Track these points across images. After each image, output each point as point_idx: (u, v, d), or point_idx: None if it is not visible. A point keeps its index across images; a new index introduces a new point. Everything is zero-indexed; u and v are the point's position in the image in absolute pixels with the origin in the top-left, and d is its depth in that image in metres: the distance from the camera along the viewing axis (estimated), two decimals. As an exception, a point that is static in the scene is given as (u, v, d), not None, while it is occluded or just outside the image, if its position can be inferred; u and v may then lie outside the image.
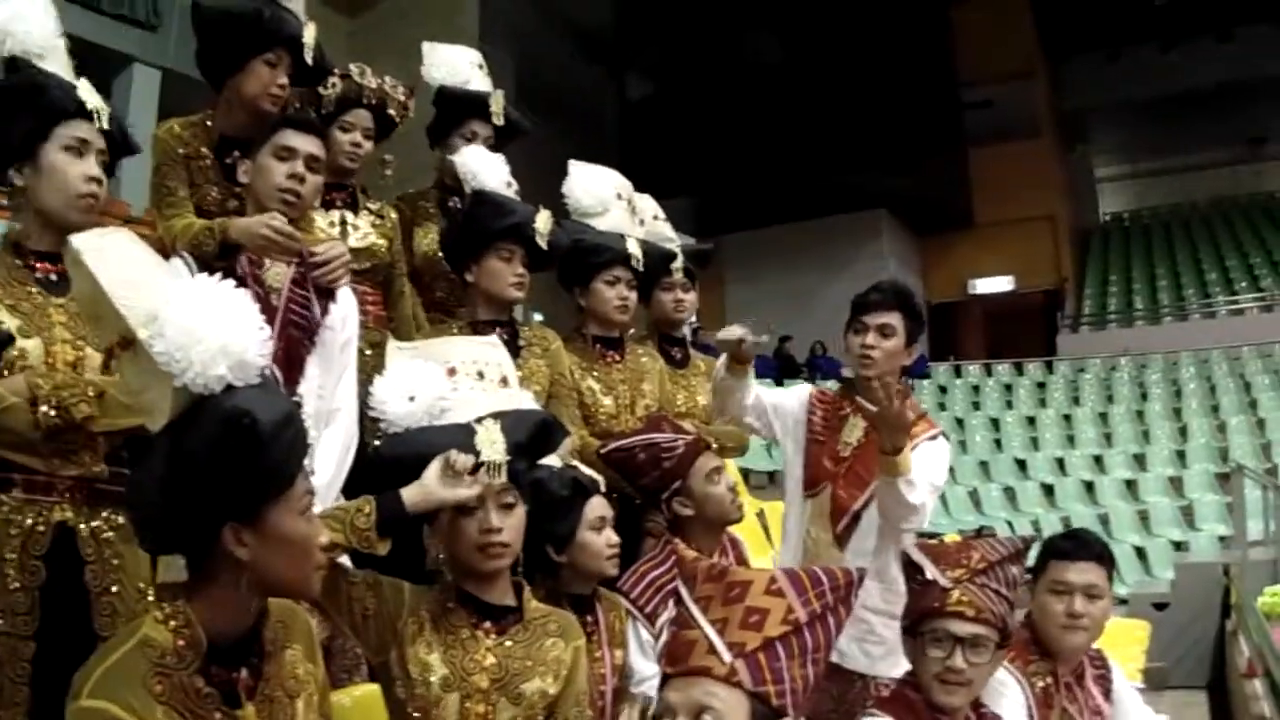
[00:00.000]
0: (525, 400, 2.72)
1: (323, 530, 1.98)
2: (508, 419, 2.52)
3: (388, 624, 2.46)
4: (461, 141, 4.01)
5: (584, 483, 2.96)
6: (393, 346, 2.87)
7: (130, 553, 2.55)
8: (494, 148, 3.96)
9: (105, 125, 2.62)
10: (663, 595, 3.35)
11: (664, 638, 3.19)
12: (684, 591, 1.98)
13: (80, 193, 2.54)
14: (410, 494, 2.39)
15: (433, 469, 2.40)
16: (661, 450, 3.51)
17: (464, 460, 2.41)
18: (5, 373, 2.43)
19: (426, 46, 4.32)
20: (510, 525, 2.47)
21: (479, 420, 2.50)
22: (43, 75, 2.60)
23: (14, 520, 2.44)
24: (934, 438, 3.64)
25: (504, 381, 2.72)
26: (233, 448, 1.78)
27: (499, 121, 4.18)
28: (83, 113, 2.59)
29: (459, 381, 2.66)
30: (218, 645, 1.91)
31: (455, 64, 4.26)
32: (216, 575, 1.90)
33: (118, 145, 2.71)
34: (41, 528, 2.46)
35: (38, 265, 2.52)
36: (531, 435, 2.54)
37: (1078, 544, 3.12)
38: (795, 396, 3.86)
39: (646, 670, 3.24)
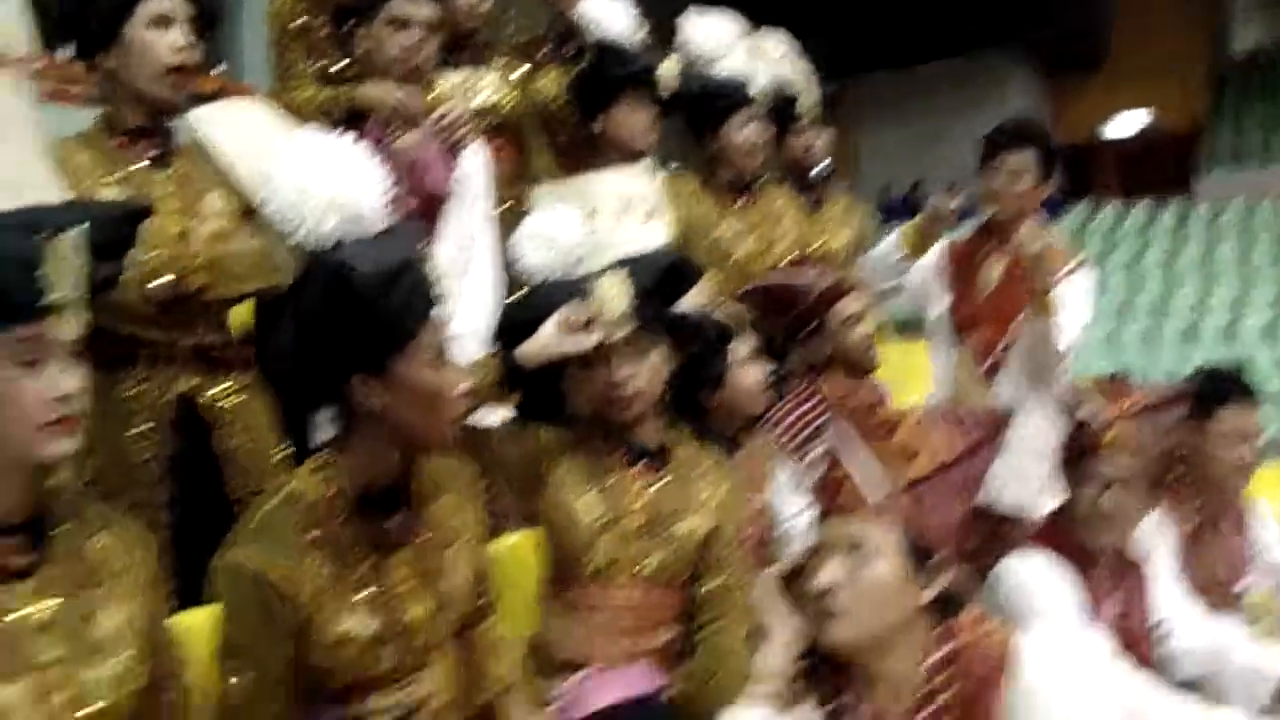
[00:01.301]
0: (664, 235, 2.69)
1: (460, 379, 1.96)
2: (636, 265, 2.50)
3: (534, 471, 2.50)
4: None
5: (730, 325, 2.94)
6: (539, 191, 2.86)
7: (254, 416, 2.58)
8: None
9: None
10: (810, 432, 3.35)
11: (813, 474, 3.22)
12: (835, 427, 1.96)
13: (170, 65, 2.47)
14: (526, 349, 2.42)
15: (550, 322, 2.43)
16: (800, 291, 3.48)
17: (578, 315, 2.41)
18: None
19: None
20: (641, 373, 2.46)
21: (600, 273, 2.48)
22: None
23: (138, 394, 2.48)
24: (1077, 268, 3.63)
25: (649, 215, 2.68)
26: (338, 300, 1.81)
27: None
28: None
29: (599, 223, 2.64)
30: (367, 495, 1.96)
31: None
32: (356, 428, 1.93)
33: (206, 12, 2.62)
34: (166, 399, 2.50)
35: (135, 143, 2.50)
36: (662, 278, 2.51)
37: (1240, 388, 3.05)
38: (932, 252, 3.88)
39: (794, 508, 3.25)
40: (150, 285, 2.37)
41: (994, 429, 1.97)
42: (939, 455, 1.89)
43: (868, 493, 1.86)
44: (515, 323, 2.54)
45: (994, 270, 3.69)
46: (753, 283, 3.57)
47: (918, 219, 3.82)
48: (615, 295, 2.43)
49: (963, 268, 3.79)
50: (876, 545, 1.83)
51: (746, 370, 2.97)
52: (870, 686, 1.89)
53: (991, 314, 3.64)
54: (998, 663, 1.84)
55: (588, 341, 2.41)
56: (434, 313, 1.90)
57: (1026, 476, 3.45)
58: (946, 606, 1.90)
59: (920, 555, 1.86)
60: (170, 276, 2.41)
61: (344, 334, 1.83)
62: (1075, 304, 3.45)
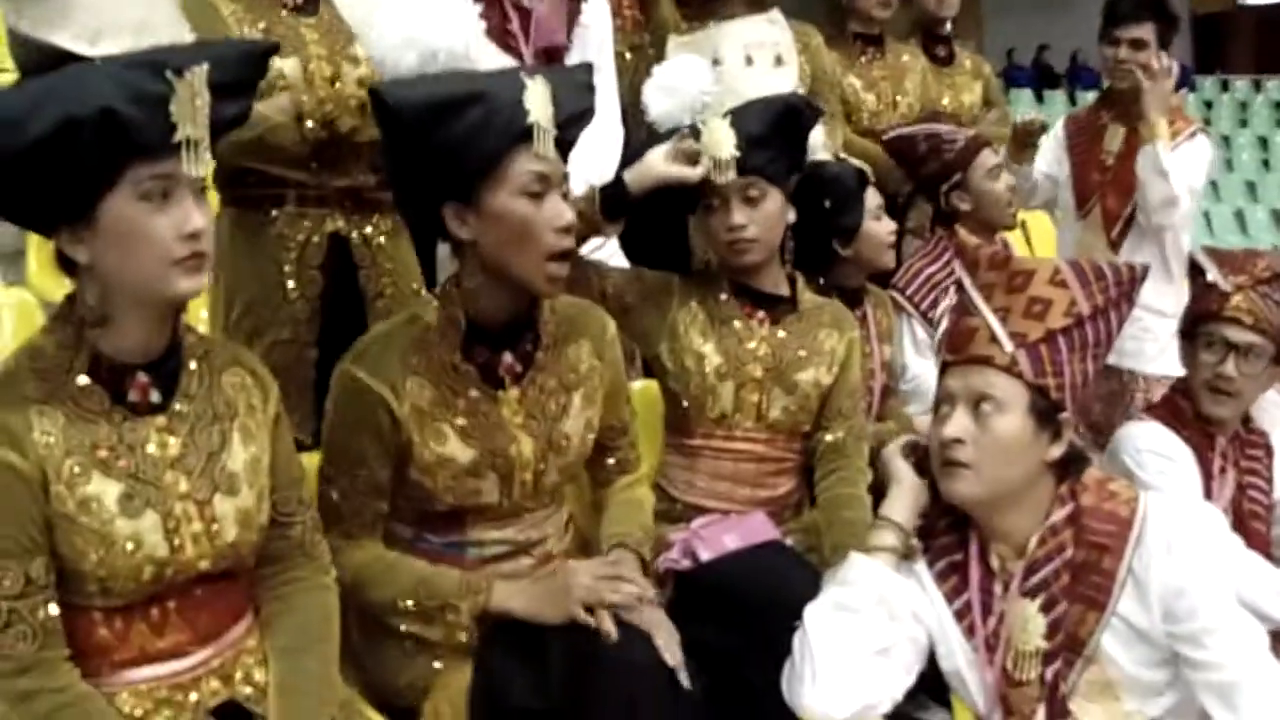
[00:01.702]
0: (789, 83, 2.64)
1: (562, 212, 1.92)
2: (745, 112, 2.44)
3: (655, 316, 2.50)
4: None
5: (863, 173, 2.90)
6: (672, 41, 2.84)
7: (400, 255, 2.63)
8: None
9: None
10: (939, 291, 3.32)
11: (940, 333, 3.20)
12: (966, 277, 1.93)
13: None
14: (631, 172, 2.40)
15: (659, 148, 2.41)
16: (944, 140, 3.45)
17: (691, 143, 2.39)
18: (264, 96, 2.42)
19: None
20: (757, 218, 2.43)
21: (704, 121, 2.44)
22: None
23: (289, 233, 2.53)
24: (1192, 135, 3.66)
25: (778, 61, 2.63)
26: (389, 132, 1.87)
27: None
28: None
29: (724, 71, 2.60)
30: (483, 328, 1.99)
31: None
32: (464, 259, 1.98)
33: None
34: (316, 238, 2.54)
35: None
36: (777, 122, 2.45)
37: None
38: (1051, 134, 3.94)
39: (918, 367, 3.24)
40: (304, 127, 2.40)
41: (1130, 283, 1.92)
42: (1074, 308, 1.83)
43: (998, 344, 1.82)
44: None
45: (1115, 140, 3.71)
46: (897, 130, 3.54)
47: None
48: (721, 140, 2.39)
49: (1083, 139, 3.82)
50: (1003, 399, 1.81)
51: (884, 221, 2.94)
52: (989, 541, 1.89)
53: (1114, 183, 3.68)
54: (1122, 525, 1.82)
55: (693, 173, 2.38)
56: (528, 144, 1.87)
57: (1152, 335, 3.52)
58: (1071, 465, 1.88)
59: (1047, 411, 1.82)
60: (320, 119, 2.43)
61: (410, 164, 1.88)
62: (1185, 167, 3.51)
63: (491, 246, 1.91)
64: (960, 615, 1.90)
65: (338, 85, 2.46)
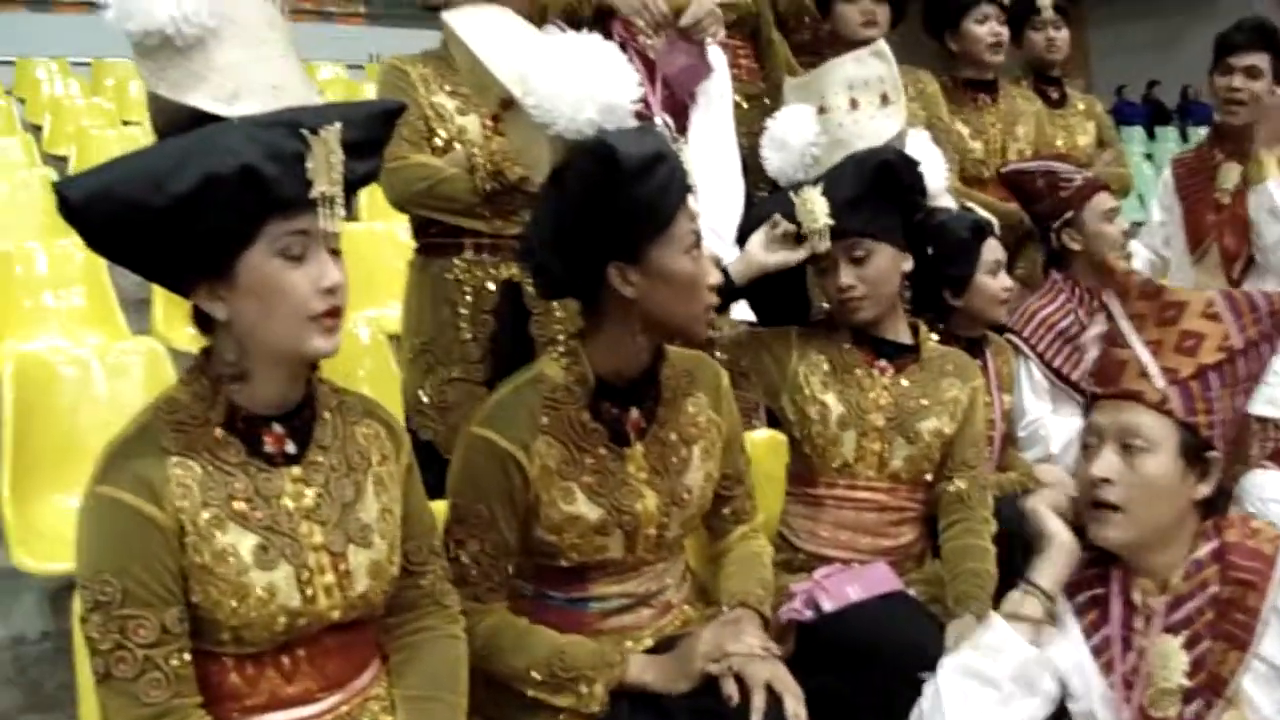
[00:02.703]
0: (896, 123, 2.62)
1: (711, 270, 1.98)
2: (844, 172, 2.46)
3: (774, 373, 2.52)
4: None
5: (982, 224, 2.88)
6: (787, 85, 2.85)
7: (571, 303, 2.68)
8: None
9: None
10: (1055, 333, 3.30)
11: (1090, 355, 3.17)
12: (1116, 306, 1.87)
13: None
14: (736, 266, 2.45)
15: (756, 236, 2.47)
16: (1060, 179, 3.42)
17: (785, 226, 2.44)
18: (448, 149, 2.64)
19: None
20: (866, 276, 2.44)
21: (797, 189, 2.46)
22: None
23: (466, 279, 2.70)
24: None
25: (884, 100, 2.62)
26: (599, 183, 1.83)
27: None
28: None
29: (829, 120, 2.60)
30: (610, 385, 2.01)
31: None
32: (608, 315, 1.98)
33: None
34: (490, 285, 2.71)
35: None
36: (873, 180, 2.45)
37: None
38: (1160, 180, 3.91)
39: (1036, 411, 3.20)
40: (477, 178, 2.56)
41: None
42: (1226, 342, 1.77)
43: (1149, 379, 1.77)
44: (744, 235, 2.58)
45: (1229, 177, 3.60)
46: (1016, 164, 3.54)
47: None
48: (815, 210, 2.41)
49: (1194, 179, 3.72)
50: (1153, 438, 1.76)
51: (995, 277, 2.90)
52: (1133, 577, 1.84)
53: (1230, 222, 3.55)
54: (1265, 563, 1.76)
55: (793, 257, 2.44)
56: (689, 203, 1.92)
57: (1276, 380, 3.36)
58: (1215, 502, 1.84)
59: (1197, 450, 1.77)
60: (492, 170, 2.59)
61: (604, 219, 1.86)
62: None
63: (656, 303, 1.92)
64: (1098, 650, 1.85)
65: (508, 137, 2.53)
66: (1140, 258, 3.84)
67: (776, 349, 2.54)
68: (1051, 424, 3.22)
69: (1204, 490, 1.79)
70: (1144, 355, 1.79)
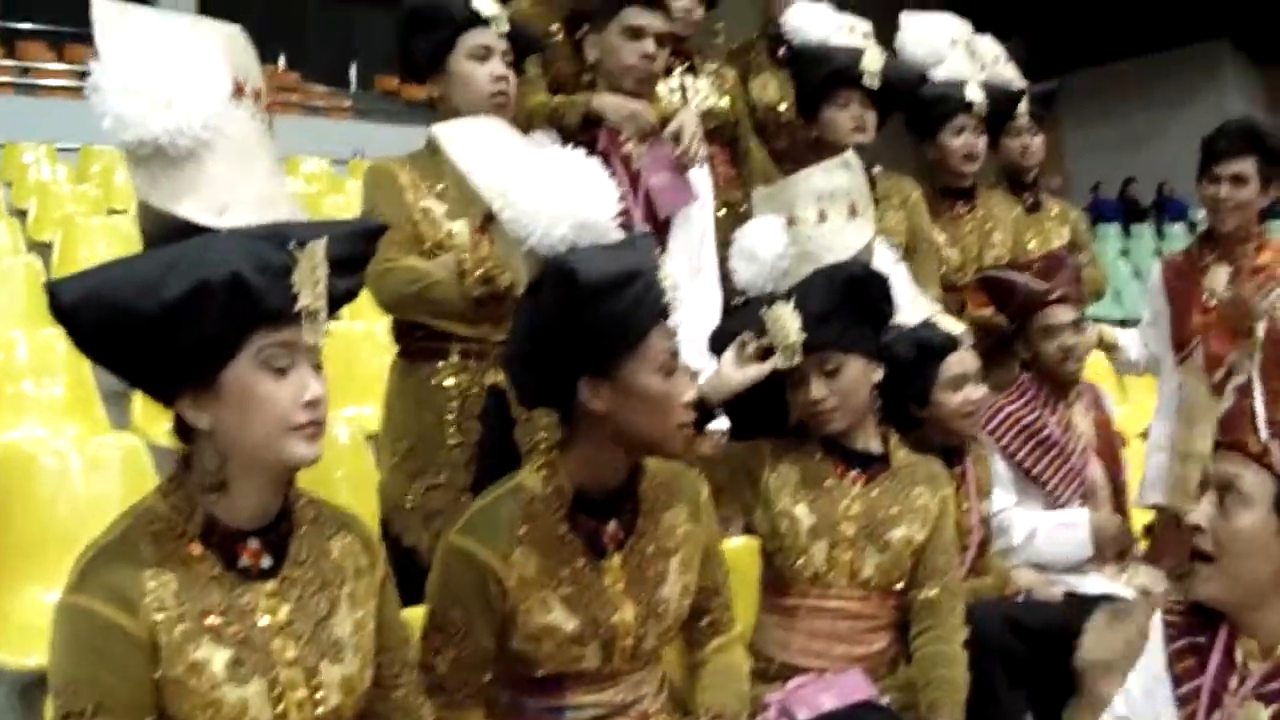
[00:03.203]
0: (864, 235, 2.66)
1: (687, 388, 2.00)
2: (814, 286, 2.50)
3: (747, 488, 2.55)
4: None
5: (935, 343, 2.85)
6: (756, 195, 2.89)
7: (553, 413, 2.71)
8: None
9: (504, 29, 2.76)
10: (1018, 429, 3.35)
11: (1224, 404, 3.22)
12: (1256, 354, 1.77)
13: (490, 93, 2.71)
14: (708, 385, 2.47)
15: (727, 355, 2.50)
16: (1015, 289, 3.48)
17: (752, 345, 2.47)
18: (436, 253, 2.65)
19: None
20: (837, 389, 2.47)
21: (769, 303, 2.50)
22: None
23: (452, 385, 2.70)
24: None
25: (852, 212, 2.66)
26: (561, 301, 1.86)
27: None
28: (481, 20, 2.74)
29: (798, 232, 2.63)
30: (588, 496, 2.02)
31: None
32: (583, 428, 2.00)
33: (522, 45, 2.86)
34: (476, 390, 2.70)
35: None
36: (843, 294, 2.50)
37: None
38: (1149, 282, 3.90)
39: (1001, 502, 3.25)
40: (466, 284, 2.57)
41: None
42: None
43: (1255, 430, 1.70)
44: (716, 347, 2.61)
45: (1218, 280, 3.59)
46: (995, 271, 3.59)
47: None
48: (786, 326, 2.45)
49: (1183, 281, 3.70)
50: (1248, 491, 1.70)
51: (957, 392, 2.87)
52: (1239, 635, 1.77)
53: (1218, 324, 3.55)
54: None
55: (765, 369, 2.47)
56: (666, 320, 1.95)
57: None
58: None
59: None
60: (482, 276, 2.60)
61: (571, 336, 1.89)
62: None
63: (626, 419, 1.94)
64: (1184, 700, 1.79)
65: (497, 244, 2.55)
66: (1135, 352, 3.87)
67: (750, 463, 2.57)
68: (1015, 516, 3.27)
69: None
70: (1258, 404, 1.72)
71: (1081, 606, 2.94)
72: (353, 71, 16.88)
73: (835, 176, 2.69)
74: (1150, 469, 3.67)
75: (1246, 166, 3.49)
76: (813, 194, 2.66)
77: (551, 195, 1.90)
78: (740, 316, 2.63)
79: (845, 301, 2.50)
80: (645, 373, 1.92)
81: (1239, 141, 3.51)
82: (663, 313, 1.94)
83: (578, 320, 1.86)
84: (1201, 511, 1.74)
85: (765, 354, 2.48)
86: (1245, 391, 1.75)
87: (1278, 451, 1.67)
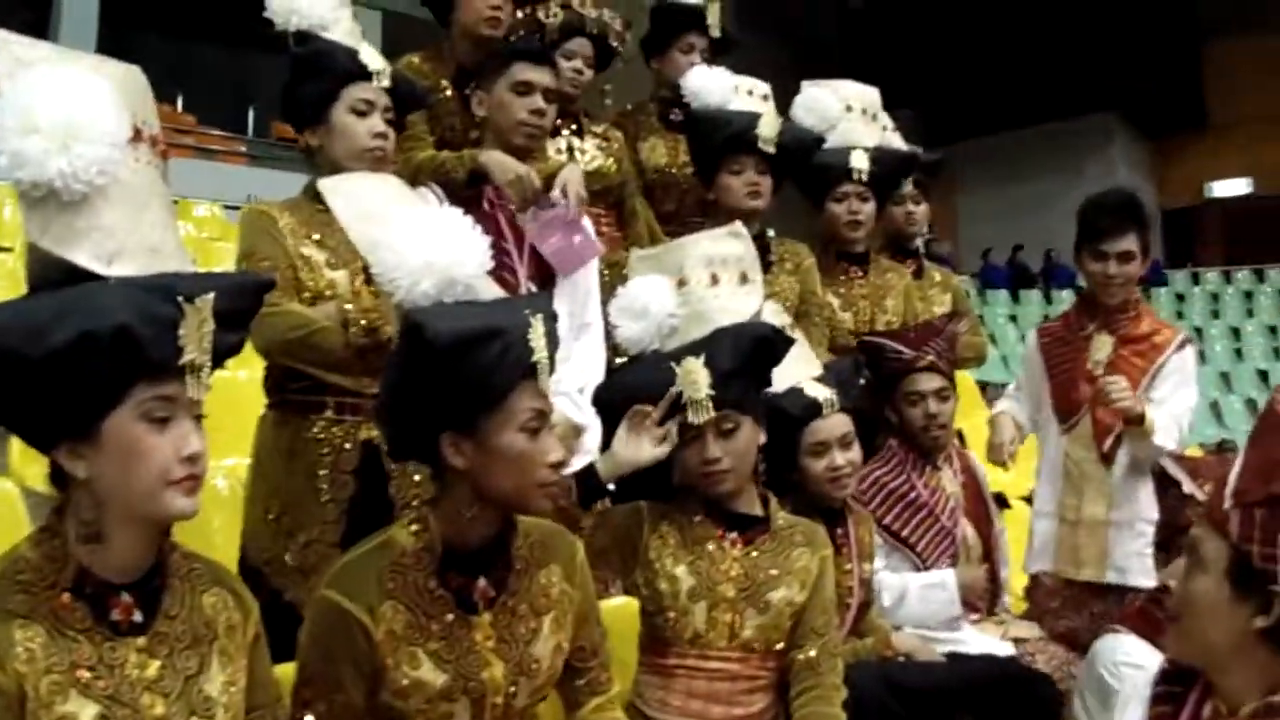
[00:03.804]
0: (756, 301, 2.69)
1: (553, 449, 2.00)
2: (722, 344, 2.50)
3: (628, 551, 2.54)
4: (679, 54, 4.04)
5: (794, 411, 2.86)
6: (634, 256, 2.89)
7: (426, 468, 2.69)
8: (709, 62, 3.99)
9: (387, 84, 2.78)
10: (885, 493, 3.43)
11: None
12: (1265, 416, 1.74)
13: (367, 148, 2.72)
14: (603, 466, 2.49)
15: (620, 432, 2.48)
16: (885, 353, 3.54)
17: (648, 417, 2.46)
18: (317, 302, 2.64)
19: None
20: (732, 450, 2.48)
21: (678, 360, 2.49)
22: (328, 44, 2.77)
23: (325, 438, 2.67)
24: (1181, 347, 3.63)
25: (743, 279, 2.69)
26: (410, 358, 1.89)
27: (716, 34, 4.18)
28: (366, 75, 2.76)
29: (690, 292, 2.63)
30: (458, 552, 2.02)
31: None
32: (448, 485, 2.01)
33: (404, 100, 2.87)
34: (349, 445, 2.68)
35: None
36: (750, 354, 2.52)
37: None
38: (1025, 348, 3.94)
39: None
40: (350, 333, 2.56)
41: None
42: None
43: (1223, 495, 1.70)
44: (604, 403, 2.62)
45: (1103, 349, 3.64)
46: (873, 335, 3.64)
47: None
48: (698, 381, 2.45)
49: (1065, 349, 3.75)
50: (1205, 556, 1.70)
51: (820, 458, 2.90)
52: (1212, 691, 1.77)
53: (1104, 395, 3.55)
54: None
55: (660, 453, 2.47)
56: (533, 380, 1.95)
57: (1150, 550, 3.41)
58: None
59: (1250, 579, 1.65)
60: (364, 326, 2.59)
61: (426, 392, 1.90)
62: (1179, 394, 3.52)
63: (486, 476, 1.95)
64: None
65: (381, 297, 2.59)
66: (1008, 414, 3.87)
67: (629, 525, 2.56)
68: (885, 579, 3.31)
69: (1259, 623, 1.65)
70: (1233, 473, 1.71)
71: (960, 666, 2.99)
72: (250, 116, 16.76)
73: (724, 244, 2.72)
74: (1036, 537, 3.70)
75: (1131, 243, 3.56)
76: (704, 259, 2.67)
77: (419, 251, 1.92)
78: (629, 374, 2.63)
79: (749, 362, 2.52)
80: (508, 431, 1.93)
81: (1122, 219, 3.57)
82: (529, 372, 1.94)
83: (430, 377, 1.88)
84: (1174, 569, 1.79)
85: (665, 423, 2.47)
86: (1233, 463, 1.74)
87: (1235, 521, 1.67)
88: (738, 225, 2.80)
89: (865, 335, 3.71)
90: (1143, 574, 3.43)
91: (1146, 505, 3.44)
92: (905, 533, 3.39)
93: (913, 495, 3.43)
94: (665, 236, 3.85)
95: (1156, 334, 3.64)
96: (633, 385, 2.54)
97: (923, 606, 3.23)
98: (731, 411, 2.48)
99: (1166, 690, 1.83)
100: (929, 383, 3.48)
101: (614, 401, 2.56)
